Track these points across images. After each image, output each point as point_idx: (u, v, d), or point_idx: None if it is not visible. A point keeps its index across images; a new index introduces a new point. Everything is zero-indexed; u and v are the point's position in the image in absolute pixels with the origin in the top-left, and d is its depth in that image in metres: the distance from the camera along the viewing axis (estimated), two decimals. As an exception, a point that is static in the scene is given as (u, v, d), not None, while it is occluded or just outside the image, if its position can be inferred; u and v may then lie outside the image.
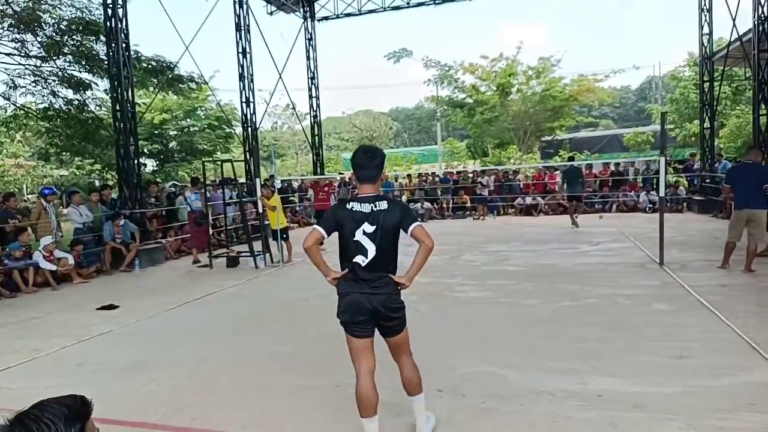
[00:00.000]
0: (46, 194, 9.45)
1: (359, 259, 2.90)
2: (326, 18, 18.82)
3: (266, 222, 10.16)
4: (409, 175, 20.16)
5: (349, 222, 2.90)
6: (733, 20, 12.48)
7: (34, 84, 13.75)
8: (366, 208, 2.90)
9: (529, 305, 5.98)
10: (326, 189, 14.71)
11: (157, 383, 4.19)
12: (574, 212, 13.06)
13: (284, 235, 9.65)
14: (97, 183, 20.23)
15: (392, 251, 2.97)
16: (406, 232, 2.92)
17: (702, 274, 6.94)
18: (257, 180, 10.33)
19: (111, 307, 6.86)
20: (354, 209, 2.91)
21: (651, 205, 15.05)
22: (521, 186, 17.55)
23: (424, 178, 19.17)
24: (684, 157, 19.52)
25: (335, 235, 3.00)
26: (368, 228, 2.88)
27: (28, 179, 25.36)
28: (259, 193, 9.87)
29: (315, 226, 3.04)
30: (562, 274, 7.57)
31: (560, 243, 10.43)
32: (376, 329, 3.00)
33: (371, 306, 2.90)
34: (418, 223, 2.94)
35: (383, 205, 2.91)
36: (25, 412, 1.25)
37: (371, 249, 2.88)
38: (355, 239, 2.89)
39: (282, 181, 18.20)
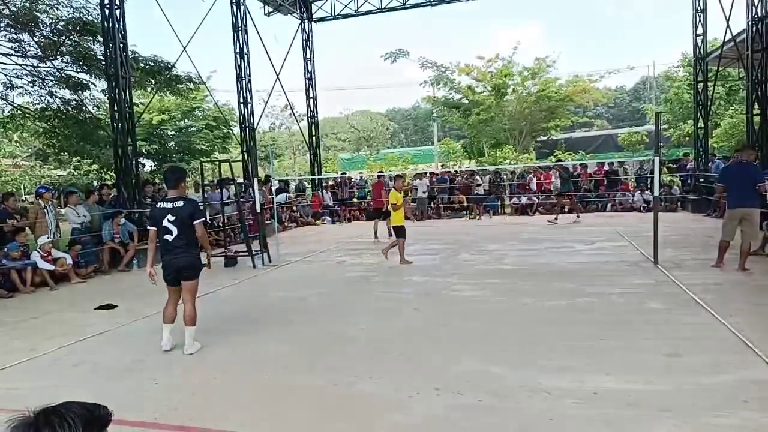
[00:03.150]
0: (41, 193, 9.44)
1: (167, 236, 4.73)
2: (323, 19, 18.86)
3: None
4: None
5: (159, 215, 4.78)
6: (727, 21, 12.55)
7: (31, 84, 13.72)
8: (168, 205, 4.76)
9: (525, 304, 6.03)
10: (384, 189, 14.50)
11: (155, 382, 4.21)
12: (569, 210, 13.89)
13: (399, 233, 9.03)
14: (95, 183, 20.18)
15: (189, 232, 4.77)
16: (193, 222, 4.75)
17: (696, 273, 7.00)
18: (255, 180, 10.35)
19: (109, 306, 6.87)
20: (161, 207, 4.85)
21: (645, 205, 15.15)
22: (527, 185, 17.61)
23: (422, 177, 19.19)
24: (678, 156, 19.61)
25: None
26: (170, 217, 4.70)
27: (26, 179, 25.24)
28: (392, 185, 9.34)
29: (149, 226, 4.95)
30: (557, 272, 7.62)
31: (555, 242, 10.48)
32: (180, 281, 4.87)
33: (175, 265, 4.78)
34: (201, 219, 4.83)
35: (179, 203, 4.76)
36: (51, 407, 1.26)
37: (174, 230, 4.70)
38: (163, 225, 4.72)
39: (279, 180, 18.21)
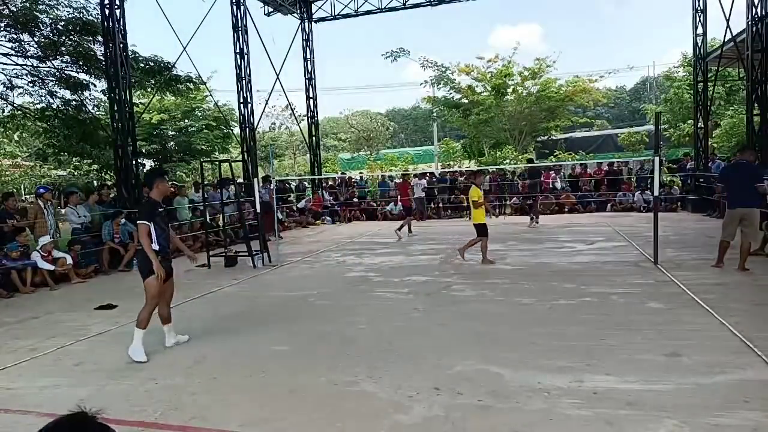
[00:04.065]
0: (41, 193, 9.44)
1: None
2: (323, 19, 18.86)
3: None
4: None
5: None
6: (727, 21, 12.55)
7: (31, 84, 13.77)
8: None
9: (525, 304, 6.03)
10: (410, 188, 14.47)
11: (155, 382, 4.21)
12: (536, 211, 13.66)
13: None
14: (95, 183, 20.20)
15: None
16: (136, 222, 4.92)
17: (696, 273, 7.01)
18: (255, 180, 10.34)
19: (109, 306, 6.88)
20: None
21: (645, 205, 15.15)
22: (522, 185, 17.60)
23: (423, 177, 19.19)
24: (678, 156, 19.62)
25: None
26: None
27: (26, 179, 25.26)
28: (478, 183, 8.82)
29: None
30: (557, 272, 7.62)
31: (555, 242, 10.48)
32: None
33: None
34: (140, 222, 4.81)
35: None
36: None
37: None
38: None
39: (279, 181, 18.22)
